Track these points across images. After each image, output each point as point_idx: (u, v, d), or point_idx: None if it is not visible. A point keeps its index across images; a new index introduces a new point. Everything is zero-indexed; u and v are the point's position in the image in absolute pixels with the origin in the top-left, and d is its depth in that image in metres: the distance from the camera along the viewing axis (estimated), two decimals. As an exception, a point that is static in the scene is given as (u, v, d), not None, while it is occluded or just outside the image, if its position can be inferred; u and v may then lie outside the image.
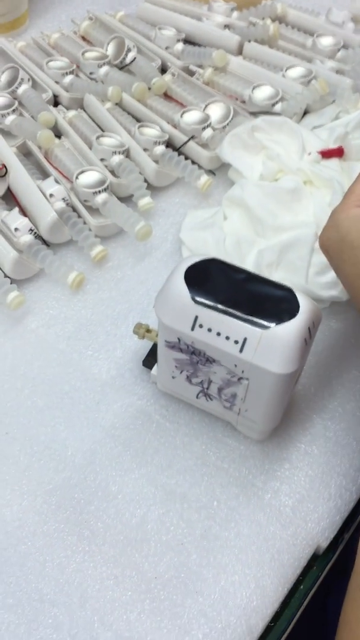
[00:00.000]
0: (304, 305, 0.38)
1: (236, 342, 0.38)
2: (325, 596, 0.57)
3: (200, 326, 0.39)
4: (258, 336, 0.37)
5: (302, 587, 0.43)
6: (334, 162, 0.60)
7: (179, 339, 0.40)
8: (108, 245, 0.56)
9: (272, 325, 0.37)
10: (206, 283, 0.39)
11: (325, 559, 0.44)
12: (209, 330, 0.39)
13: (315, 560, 0.44)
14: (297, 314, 0.38)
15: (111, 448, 0.45)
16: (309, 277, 0.53)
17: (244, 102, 0.67)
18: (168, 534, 0.42)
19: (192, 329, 0.39)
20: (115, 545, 0.41)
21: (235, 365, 0.39)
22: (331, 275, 0.53)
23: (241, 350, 0.38)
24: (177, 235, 0.58)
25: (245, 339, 0.38)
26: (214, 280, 0.40)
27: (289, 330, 0.37)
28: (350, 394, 0.49)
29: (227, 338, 0.38)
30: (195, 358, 0.41)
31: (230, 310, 0.38)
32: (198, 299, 0.38)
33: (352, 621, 0.39)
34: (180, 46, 0.71)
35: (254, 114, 0.65)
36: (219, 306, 0.38)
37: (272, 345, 0.37)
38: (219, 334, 0.38)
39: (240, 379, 0.40)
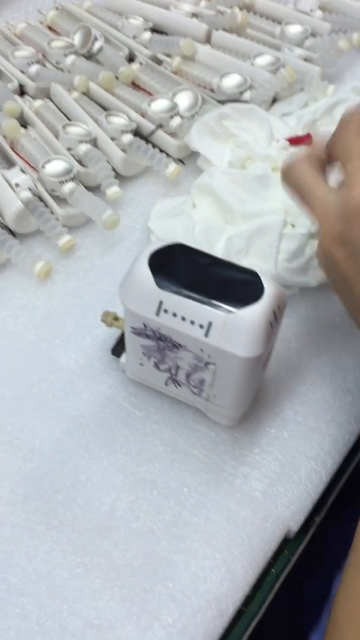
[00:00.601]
0: (269, 288, 0.38)
1: (201, 326, 0.38)
2: (301, 582, 0.57)
3: (165, 311, 0.38)
4: (223, 320, 0.37)
5: (273, 570, 0.43)
6: (302, 149, 0.60)
7: (144, 325, 0.40)
8: (76, 235, 0.56)
9: (237, 309, 0.37)
10: (170, 268, 0.39)
11: (296, 542, 0.44)
12: (174, 315, 0.38)
13: (287, 543, 0.44)
14: (261, 297, 0.38)
15: (80, 437, 0.45)
16: (279, 263, 0.53)
17: (212, 90, 0.67)
18: (137, 521, 0.42)
19: (157, 314, 0.39)
20: (84, 534, 0.41)
21: (202, 350, 0.39)
22: (300, 261, 0.53)
23: (206, 334, 0.38)
24: (146, 224, 0.57)
25: (210, 323, 0.38)
26: (178, 265, 0.39)
27: (254, 313, 0.37)
28: (320, 378, 0.49)
29: (192, 323, 0.38)
30: (162, 344, 0.41)
31: (194, 294, 0.38)
32: (162, 284, 0.38)
33: (353, 613, 0.38)
34: (147, 35, 0.71)
35: (223, 102, 0.65)
36: (183, 291, 0.38)
37: (237, 329, 0.37)
38: (183, 318, 0.38)
39: (207, 364, 0.40)
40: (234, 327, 0.37)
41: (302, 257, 0.54)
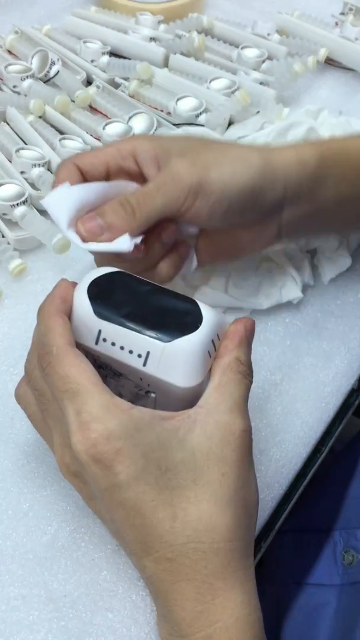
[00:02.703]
0: (208, 317, 0.38)
1: (139, 355, 0.38)
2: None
3: (104, 340, 0.38)
4: (160, 349, 0.37)
5: (217, 598, 0.42)
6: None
7: (85, 353, 0.40)
8: (28, 259, 0.56)
9: (174, 338, 0.37)
10: (110, 296, 0.39)
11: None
12: (113, 344, 0.38)
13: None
14: (199, 327, 0.38)
15: (23, 464, 0.44)
16: (228, 287, 0.53)
17: (169, 113, 0.68)
18: (79, 551, 0.41)
19: (96, 343, 0.39)
20: (25, 565, 0.40)
21: (141, 379, 0.39)
22: (250, 283, 0.54)
23: (144, 363, 0.38)
24: (99, 247, 0.57)
25: (148, 353, 0.38)
26: (118, 294, 0.39)
27: (191, 343, 0.37)
28: (268, 403, 0.49)
29: (131, 352, 0.38)
30: (103, 372, 0.41)
31: (132, 324, 0.38)
32: (101, 312, 0.38)
33: None
34: (105, 59, 0.72)
35: (178, 126, 0.66)
36: (123, 320, 0.38)
37: (174, 358, 0.37)
38: (122, 347, 0.38)
39: (147, 392, 0.40)
40: (172, 357, 0.37)
41: (252, 280, 0.54)
